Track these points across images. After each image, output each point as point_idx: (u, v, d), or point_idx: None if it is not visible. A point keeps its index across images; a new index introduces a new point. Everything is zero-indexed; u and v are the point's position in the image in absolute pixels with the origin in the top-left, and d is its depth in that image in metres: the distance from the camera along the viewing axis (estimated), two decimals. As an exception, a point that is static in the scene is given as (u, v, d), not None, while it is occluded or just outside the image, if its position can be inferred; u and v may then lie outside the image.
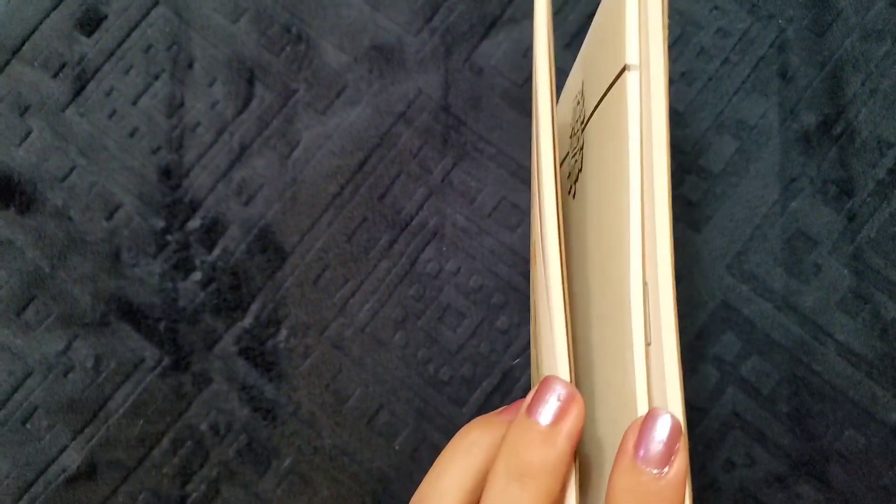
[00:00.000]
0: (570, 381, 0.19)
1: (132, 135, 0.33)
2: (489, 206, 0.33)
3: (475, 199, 0.33)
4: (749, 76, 0.34)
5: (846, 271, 0.33)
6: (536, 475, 0.18)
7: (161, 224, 0.33)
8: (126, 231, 0.33)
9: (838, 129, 0.33)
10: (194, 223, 0.33)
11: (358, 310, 0.33)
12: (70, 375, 0.32)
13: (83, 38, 0.34)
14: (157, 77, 0.34)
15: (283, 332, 0.32)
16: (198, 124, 0.33)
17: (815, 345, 0.32)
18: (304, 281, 0.33)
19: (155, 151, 0.33)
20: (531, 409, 0.19)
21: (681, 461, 0.17)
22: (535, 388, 0.20)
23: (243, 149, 0.33)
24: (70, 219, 0.33)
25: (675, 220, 0.33)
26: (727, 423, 0.32)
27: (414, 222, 0.33)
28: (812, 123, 0.33)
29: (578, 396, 0.19)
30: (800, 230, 0.33)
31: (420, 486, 0.21)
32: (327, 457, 0.32)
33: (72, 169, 0.33)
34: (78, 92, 0.33)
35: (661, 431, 0.17)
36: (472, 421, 0.22)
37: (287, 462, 0.32)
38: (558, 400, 0.19)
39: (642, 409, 0.19)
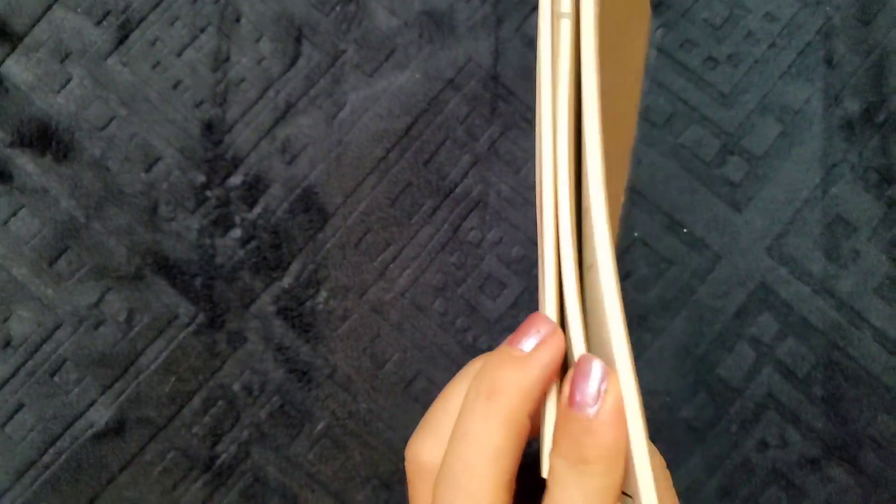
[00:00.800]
0: (556, 321, 0.20)
1: (175, 87, 0.32)
2: (534, 176, 0.33)
3: (521, 170, 0.33)
4: (795, 61, 0.34)
5: (884, 257, 0.33)
6: (504, 392, 0.19)
7: (201, 179, 0.32)
8: (165, 184, 0.32)
9: (881, 117, 0.33)
10: (236, 180, 0.32)
11: (398, 275, 0.32)
12: (101, 329, 0.31)
13: (129, -13, 0.33)
14: (203, 30, 0.33)
15: (323, 294, 0.32)
16: (242, 80, 0.33)
17: (851, 329, 0.32)
18: (346, 243, 0.32)
19: (198, 105, 0.32)
20: (512, 340, 0.20)
21: (611, 399, 0.18)
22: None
23: (288, 107, 0.32)
24: (108, 169, 0.32)
25: (718, 199, 0.33)
26: (762, 403, 0.32)
27: (458, 189, 0.33)
28: (855, 110, 0.33)
29: (560, 333, 0.20)
30: (840, 215, 0.33)
31: (429, 407, 0.21)
32: (362, 422, 0.31)
33: (111, 119, 0.32)
34: (121, 41, 0.32)
35: (586, 374, 0.18)
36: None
37: (320, 426, 0.31)
38: (538, 333, 0.19)
39: (575, 328, 0.19)
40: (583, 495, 0.18)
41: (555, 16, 0.21)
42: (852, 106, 0.33)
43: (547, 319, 0.20)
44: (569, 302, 0.19)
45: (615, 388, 0.18)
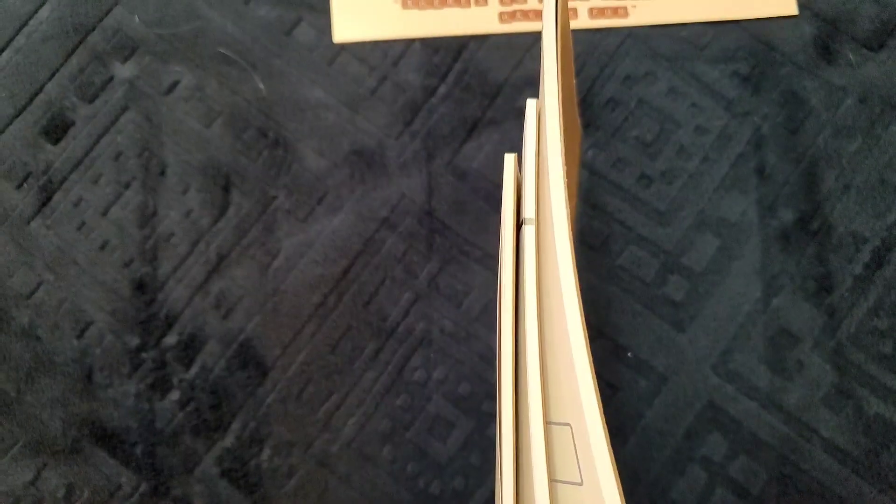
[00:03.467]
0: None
1: (103, 247, 0.31)
2: (476, 309, 0.32)
3: (462, 303, 0.32)
4: (728, 173, 0.33)
5: (828, 367, 0.32)
6: None
7: (136, 341, 0.31)
8: (98, 350, 0.31)
9: (815, 226, 0.33)
10: (171, 339, 0.31)
11: (343, 424, 0.31)
12: (39, 508, 0.30)
13: (49, 146, 0.32)
14: (127, 186, 0.32)
15: (266, 451, 0.31)
16: (172, 234, 0.31)
17: (801, 442, 0.32)
18: (287, 396, 0.31)
19: (127, 264, 0.31)
20: None
21: None
22: None
23: (221, 259, 0.31)
24: (37, 338, 0.31)
25: (661, 320, 0.32)
26: (718, 524, 0.31)
27: (400, 329, 0.32)
28: (790, 220, 0.33)
29: None
30: (782, 327, 0.33)
31: None
32: (316, 580, 0.30)
33: (38, 285, 0.31)
34: (44, 203, 0.31)
35: None
36: None
37: (273, 587, 0.30)
38: None
39: None
40: None
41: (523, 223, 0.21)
42: (787, 215, 0.33)
43: None
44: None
45: None
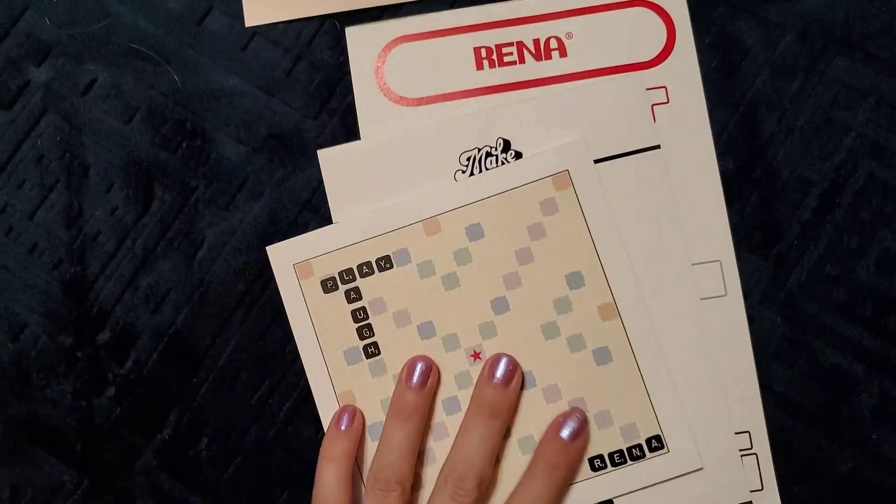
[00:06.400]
0: None
1: (31, 251, 0.31)
2: (406, 286, 0.31)
3: (390, 282, 0.31)
4: (661, 125, 0.32)
5: (779, 319, 0.30)
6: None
7: (69, 341, 0.31)
8: (34, 352, 0.31)
9: (758, 172, 0.31)
10: (103, 336, 0.31)
11: (278, 410, 0.31)
12: (-13, 509, 0.30)
13: (-28, 156, 0.32)
14: (52, 188, 0.32)
15: (204, 441, 0.30)
16: (98, 233, 0.31)
17: (753, 399, 0.30)
18: (220, 385, 0.31)
19: (57, 266, 0.31)
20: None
21: (517, 378, 0.29)
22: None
23: (147, 254, 0.31)
24: (-25, 344, 0.31)
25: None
26: (670, 488, 0.30)
27: (330, 311, 0.31)
28: (730, 168, 0.31)
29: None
30: (727, 281, 0.31)
31: None
32: (261, 565, 0.30)
33: (-28, 292, 0.31)
34: (-28, 212, 0.32)
35: (501, 364, 0.29)
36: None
37: (220, 574, 0.30)
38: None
39: None
40: (486, 432, 0.28)
41: None
42: (726, 164, 0.31)
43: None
44: None
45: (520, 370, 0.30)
